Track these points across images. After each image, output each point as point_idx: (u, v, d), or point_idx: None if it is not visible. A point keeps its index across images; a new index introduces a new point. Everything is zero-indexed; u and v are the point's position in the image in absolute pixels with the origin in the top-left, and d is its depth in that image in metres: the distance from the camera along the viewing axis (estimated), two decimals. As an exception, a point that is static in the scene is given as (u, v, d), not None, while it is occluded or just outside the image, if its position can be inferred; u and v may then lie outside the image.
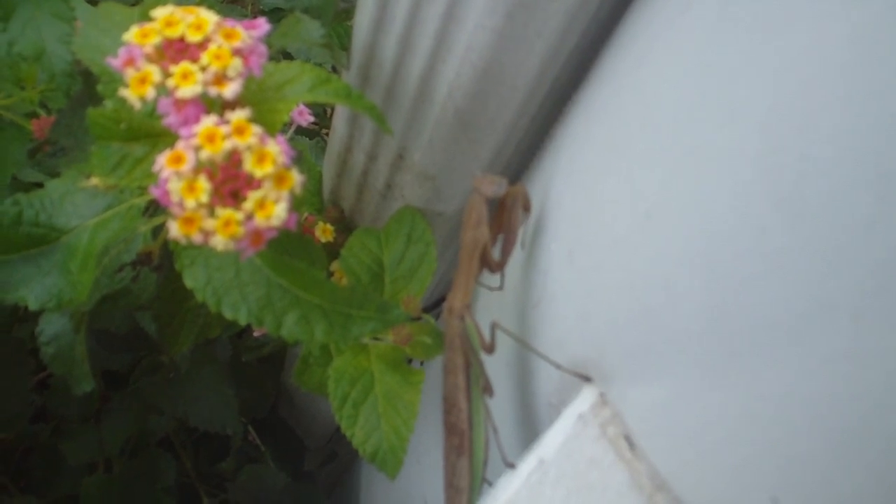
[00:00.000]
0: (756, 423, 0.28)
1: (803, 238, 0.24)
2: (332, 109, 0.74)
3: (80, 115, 0.49)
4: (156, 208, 0.42)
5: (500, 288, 0.47)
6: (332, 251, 0.58)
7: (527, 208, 0.42)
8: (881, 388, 0.24)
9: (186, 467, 0.95)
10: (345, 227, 0.64)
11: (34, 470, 0.88)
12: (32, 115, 0.60)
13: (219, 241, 0.31)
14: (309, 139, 0.83)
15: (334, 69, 0.58)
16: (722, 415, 0.29)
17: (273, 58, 0.36)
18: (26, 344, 0.76)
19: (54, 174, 0.49)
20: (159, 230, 0.43)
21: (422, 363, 0.61)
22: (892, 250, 0.22)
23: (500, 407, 0.47)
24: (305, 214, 0.62)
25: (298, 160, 0.56)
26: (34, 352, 0.59)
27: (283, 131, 0.61)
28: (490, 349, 0.42)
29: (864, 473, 0.26)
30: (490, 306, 0.52)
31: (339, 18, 0.63)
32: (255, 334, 0.63)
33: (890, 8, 0.22)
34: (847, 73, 0.23)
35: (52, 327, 0.51)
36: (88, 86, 0.50)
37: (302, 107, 0.58)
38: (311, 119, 0.58)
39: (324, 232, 0.60)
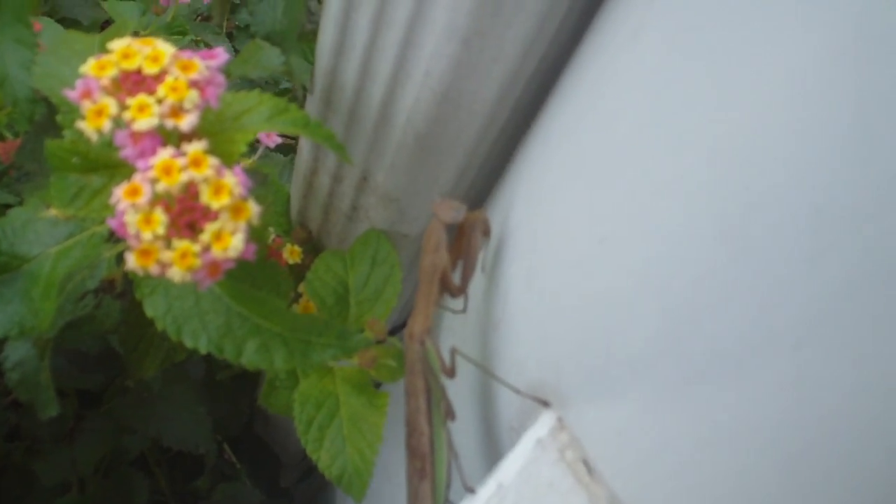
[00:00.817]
0: (709, 449, 0.28)
1: (746, 269, 0.25)
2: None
3: (43, 140, 0.49)
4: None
5: (464, 311, 0.47)
6: (301, 272, 0.58)
7: (486, 233, 0.43)
8: (822, 416, 0.24)
9: (161, 486, 0.95)
10: (313, 248, 0.64)
11: (7, 490, 0.87)
12: (-1, 138, 0.60)
13: (176, 273, 0.31)
14: (283, 156, 0.83)
15: (304, 89, 0.59)
16: (677, 440, 0.29)
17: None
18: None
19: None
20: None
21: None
22: (828, 284, 0.22)
23: (464, 430, 0.47)
24: (273, 236, 0.62)
25: (264, 182, 0.56)
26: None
27: (253, 152, 0.61)
28: (450, 373, 0.42)
29: (814, 498, 0.26)
30: (453, 328, 0.52)
31: (306, 38, 0.63)
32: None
33: (832, 44, 0.22)
34: (788, 107, 0.23)
35: (16, 353, 0.51)
36: (52, 111, 0.50)
37: (270, 127, 0.58)
38: (279, 140, 0.58)
39: (291, 253, 0.60)
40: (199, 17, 1.03)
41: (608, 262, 0.32)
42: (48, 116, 0.50)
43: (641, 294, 0.30)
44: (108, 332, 0.50)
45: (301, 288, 0.57)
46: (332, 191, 0.57)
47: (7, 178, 0.60)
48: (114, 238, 0.42)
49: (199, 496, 0.97)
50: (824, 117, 0.22)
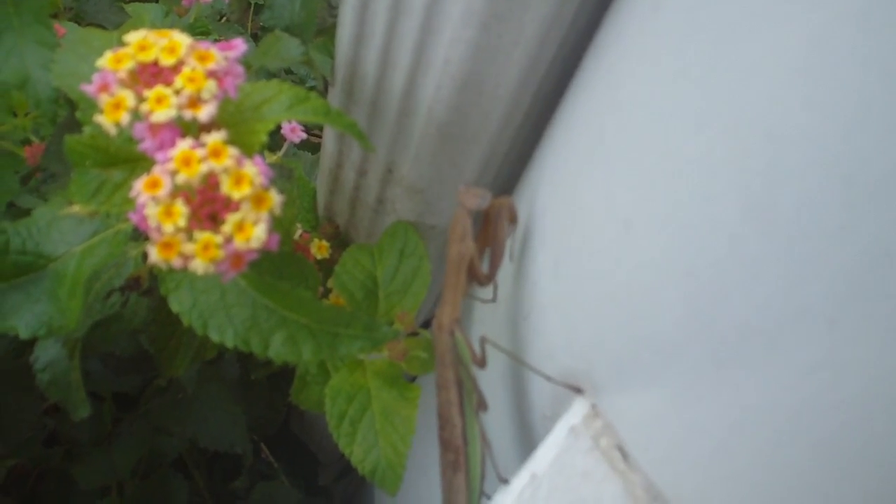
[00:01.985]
0: (743, 433, 0.28)
1: (774, 245, 0.24)
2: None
3: (67, 140, 0.49)
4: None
5: (494, 300, 0.46)
6: (329, 268, 0.58)
7: (513, 220, 0.42)
8: (857, 396, 0.23)
9: (199, 487, 0.95)
10: (341, 242, 0.63)
11: (47, 494, 0.88)
12: (26, 142, 0.60)
13: (198, 265, 0.31)
14: (311, 154, 0.83)
15: (326, 83, 0.58)
16: (711, 425, 0.29)
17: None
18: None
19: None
20: (149, 254, 0.43)
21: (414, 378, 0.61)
22: (861, 256, 0.22)
23: (498, 420, 0.46)
24: (300, 232, 0.62)
25: (290, 178, 0.56)
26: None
27: (279, 149, 0.61)
28: (481, 363, 0.42)
29: (849, 482, 0.25)
30: (484, 318, 0.52)
31: (328, 32, 0.63)
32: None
33: (847, 10, 0.21)
34: (808, 77, 0.23)
35: (46, 354, 0.51)
36: (75, 111, 0.50)
37: (294, 123, 0.58)
38: (304, 136, 0.58)
39: (319, 249, 0.60)
40: (224, 18, 1.03)
41: (633, 246, 0.31)
42: (71, 117, 0.50)
43: (667, 276, 0.29)
44: (137, 331, 0.50)
45: (330, 283, 0.57)
46: (357, 184, 0.57)
47: (34, 181, 0.60)
48: (139, 235, 0.42)
49: (237, 496, 0.97)
50: (849, 84, 0.21)
